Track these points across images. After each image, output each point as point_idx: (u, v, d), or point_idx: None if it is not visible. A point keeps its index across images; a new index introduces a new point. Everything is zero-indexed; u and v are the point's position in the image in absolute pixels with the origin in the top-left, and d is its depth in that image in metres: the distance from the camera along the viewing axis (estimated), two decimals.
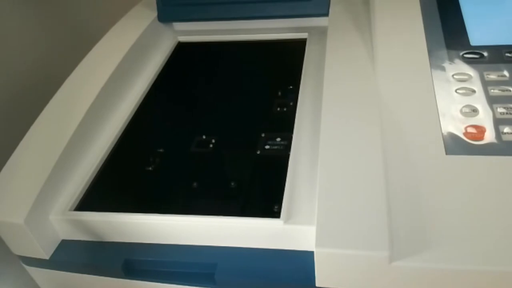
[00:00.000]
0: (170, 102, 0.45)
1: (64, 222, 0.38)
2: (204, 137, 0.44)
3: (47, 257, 0.38)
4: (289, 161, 0.38)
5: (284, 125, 0.43)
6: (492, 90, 0.38)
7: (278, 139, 0.42)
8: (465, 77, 0.40)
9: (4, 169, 0.40)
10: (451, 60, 0.42)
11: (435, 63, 0.41)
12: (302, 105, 0.44)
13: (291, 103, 0.46)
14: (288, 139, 0.41)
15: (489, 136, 0.35)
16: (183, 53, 0.57)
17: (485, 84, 0.39)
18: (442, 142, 0.36)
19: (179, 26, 0.60)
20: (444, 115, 0.37)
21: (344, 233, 0.30)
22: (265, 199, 0.37)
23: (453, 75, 0.40)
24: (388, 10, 0.47)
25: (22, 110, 0.73)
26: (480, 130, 0.36)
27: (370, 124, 0.37)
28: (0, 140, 0.65)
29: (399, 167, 0.34)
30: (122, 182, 0.42)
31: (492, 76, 0.39)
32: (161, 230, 0.37)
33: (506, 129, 0.36)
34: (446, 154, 0.35)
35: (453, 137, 0.36)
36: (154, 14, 0.58)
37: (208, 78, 0.46)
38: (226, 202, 0.38)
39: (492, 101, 0.38)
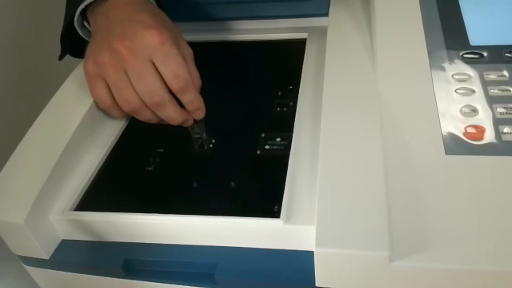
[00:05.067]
0: None
1: (64, 222, 0.38)
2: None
3: (47, 257, 0.38)
4: (289, 161, 0.38)
5: (284, 125, 0.43)
6: (491, 90, 0.38)
7: (278, 139, 0.42)
8: (465, 77, 0.40)
9: (4, 169, 0.40)
10: (451, 60, 0.42)
11: (435, 63, 0.41)
12: (302, 105, 0.44)
13: (291, 103, 0.46)
14: (288, 139, 0.41)
15: (489, 136, 0.35)
16: None
17: (485, 84, 0.39)
18: (442, 142, 0.36)
19: (179, 26, 0.60)
20: (444, 115, 0.37)
21: (344, 233, 0.30)
22: (265, 199, 0.37)
23: (453, 75, 0.40)
24: (388, 10, 0.47)
25: (22, 110, 0.73)
26: (480, 130, 0.36)
27: (370, 124, 0.37)
28: (0, 140, 0.65)
29: (399, 167, 0.34)
30: (122, 182, 0.42)
31: (492, 76, 0.39)
32: (161, 230, 0.37)
33: (506, 129, 0.36)
34: (446, 154, 0.35)
35: (452, 137, 0.36)
36: None
37: (208, 78, 0.45)
38: (226, 202, 0.38)
39: (491, 101, 0.38)
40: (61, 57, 0.49)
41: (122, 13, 0.40)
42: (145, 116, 0.41)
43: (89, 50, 0.42)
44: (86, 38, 0.46)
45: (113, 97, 0.40)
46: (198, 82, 0.42)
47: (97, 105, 0.44)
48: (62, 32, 0.47)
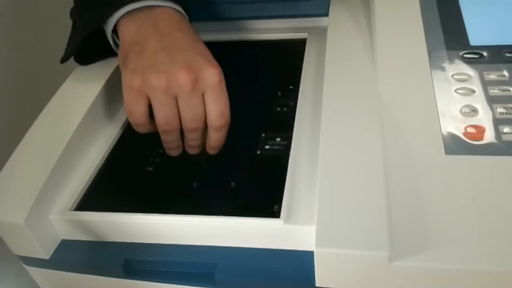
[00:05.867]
0: None
1: (64, 222, 0.38)
2: None
3: (47, 257, 0.38)
4: (289, 161, 0.38)
5: (284, 125, 0.43)
6: (491, 90, 0.38)
7: (278, 139, 0.42)
8: (465, 77, 0.40)
9: (4, 169, 0.40)
10: (451, 60, 0.42)
11: (435, 63, 0.41)
12: (302, 105, 0.44)
13: (291, 103, 0.46)
14: (288, 139, 0.41)
15: (489, 136, 0.35)
16: None
17: (485, 84, 0.39)
18: (442, 142, 0.36)
19: None
20: (444, 115, 0.37)
21: (344, 233, 0.30)
22: (265, 199, 0.37)
23: (453, 75, 0.40)
24: (388, 10, 0.47)
25: (22, 110, 0.73)
26: (480, 130, 0.36)
27: (370, 124, 0.37)
28: (0, 140, 0.65)
29: (399, 167, 0.35)
30: (122, 182, 0.42)
31: (492, 76, 0.39)
32: (161, 230, 0.37)
33: (506, 129, 0.36)
34: (446, 154, 0.35)
35: (453, 137, 0.36)
36: None
37: None
38: (226, 202, 0.38)
39: (491, 101, 0.38)
40: (64, 60, 0.49)
41: (180, 37, 0.41)
42: (172, 137, 0.41)
43: (133, 62, 0.40)
44: (115, 49, 0.45)
45: (148, 115, 0.40)
46: None
47: (97, 105, 0.44)
48: (77, 38, 0.45)
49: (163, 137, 0.41)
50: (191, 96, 0.39)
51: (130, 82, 0.39)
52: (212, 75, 0.39)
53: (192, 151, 0.42)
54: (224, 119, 0.40)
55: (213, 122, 0.40)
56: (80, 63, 0.50)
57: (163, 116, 0.39)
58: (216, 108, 0.39)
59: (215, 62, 0.40)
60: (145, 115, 0.40)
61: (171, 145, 0.42)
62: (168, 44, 0.40)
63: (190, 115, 0.39)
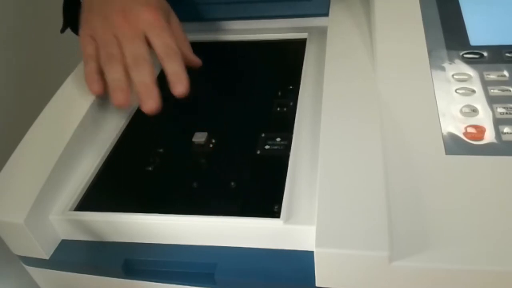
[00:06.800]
0: (169, 102, 0.45)
1: (64, 222, 0.38)
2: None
3: (47, 257, 0.38)
4: (289, 161, 0.38)
5: (284, 125, 0.43)
6: (492, 90, 0.38)
7: (278, 139, 0.42)
8: (465, 77, 0.40)
9: (4, 169, 0.40)
10: (451, 60, 0.42)
11: (435, 63, 0.41)
12: (302, 105, 0.44)
13: (291, 103, 0.46)
14: (288, 139, 0.41)
15: (489, 136, 0.35)
16: None
17: (485, 84, 0.39)
18: (442, 142, 0.36)
19: None
20: (444, 115, 0.37)
21: (344, 233, 0.30)
22: (265, 199, 0.37)
23: (453, 75, 0.40)
24: (388, 10, 0.47)
25: (22, 110, 0.73)
26: (480, 130, 0.36)
27: (370, 124, 0.37)
28: (0, 140, 0.65)
29: (399, 167, 0.34)
30: (122, 182, 0.42)
31: (492, 76, 0.39)
32: (161, 230, 0.37)
33: (506, 129, 0.36)
34: (446, 154, 0.35)
35: (453, 137, 0.36)
36: None
37: (208, 78, 0.45)
38: (226, 202, 0.38)
39: (492, 101, 0.38)
40: (62, 30, 0.51)
41: None
42: (116, 72, 0.42)
43: (83, 18, 0.44)
44: None
45: (99, 62, 0.43)
46: (188, 47, 0.47)
47: (97, 105, 0.44)
48: (63, 2, 0.48)
49: (107, 70, 0.42)
50: (127, 31, 0.42)
51: (82, 28, 0.45)
52: (145, 13, 0.42)
53: (151, 104, 0.41)
54: (171, 49, 0.42)
55: (161, 51, 0.42)
56: (75, 32, 0.53)
57: (105, 48, 0.42)
58: (160, 41, 0.42)
59: (153, 4, 0.43)
60: (94, 58, 0.43)
61: (116, 83, 0.42)
62: None
63: (130, 49, 0.42)
